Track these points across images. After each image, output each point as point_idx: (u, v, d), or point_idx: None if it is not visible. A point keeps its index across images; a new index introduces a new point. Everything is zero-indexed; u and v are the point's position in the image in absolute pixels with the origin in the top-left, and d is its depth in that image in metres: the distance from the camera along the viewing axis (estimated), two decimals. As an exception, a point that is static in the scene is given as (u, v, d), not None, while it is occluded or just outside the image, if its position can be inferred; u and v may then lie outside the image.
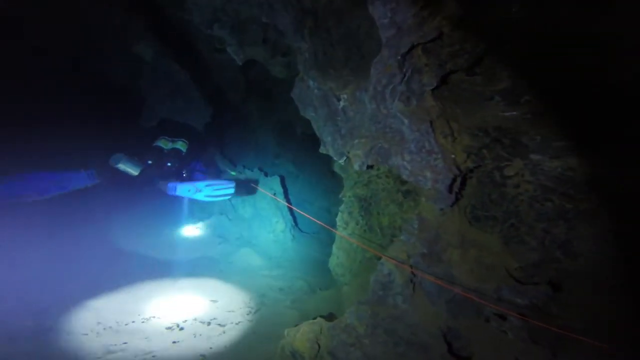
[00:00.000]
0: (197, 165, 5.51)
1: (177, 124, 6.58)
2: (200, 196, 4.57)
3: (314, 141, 7.48)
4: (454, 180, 2.34)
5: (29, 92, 6.31)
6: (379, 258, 4.16)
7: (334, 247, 4.98)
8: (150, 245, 6.42)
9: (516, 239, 2.34)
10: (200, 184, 4.56)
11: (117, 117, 7.42)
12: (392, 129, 2.70)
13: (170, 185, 4.68)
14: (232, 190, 4.74)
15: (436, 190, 2.44)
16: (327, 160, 6.99)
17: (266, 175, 6.49)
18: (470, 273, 2.59)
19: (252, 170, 6.62)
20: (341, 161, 3.38)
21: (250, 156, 7.23)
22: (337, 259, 4.84)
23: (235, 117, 7.29)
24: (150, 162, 4.93)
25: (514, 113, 2.05)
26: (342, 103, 3.14)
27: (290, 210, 6.47)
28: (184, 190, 4.60)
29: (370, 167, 2.99)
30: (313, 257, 6.28)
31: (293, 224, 6.50)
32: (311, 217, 4.29)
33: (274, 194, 6.25)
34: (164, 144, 5.09)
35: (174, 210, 7.50)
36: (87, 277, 5.12)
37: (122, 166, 4.68)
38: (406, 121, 2.47)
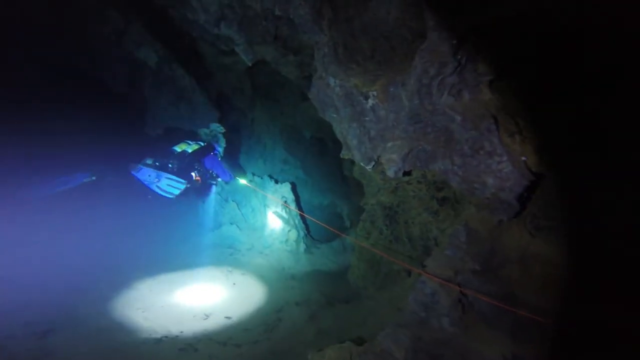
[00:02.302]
0: (209, 161, 5.28)
1: (182, 131, 6.13)
2: (154, 185, 4.67)
3: (323, 145, 7.09)
4: (527, 187, 1.88)
5: (27, 100, 5.90)
6: (409, 271, 3.73)
7: (353, 258, 4.51)
8: (159, 257, 5.96)
9: (600, 254, 1.89)
10: (162, 175, 4.65)
11: (120, 126, 6.99)
12: (436, 128, 2.24)
13: (137, 166, 4.76)
14: (180, 187, 4.77)
15: (497, 199, 1.99)
16: (337, 163, 6.55)
17: (276, 182, 6.02)
18: (537, 292, 2.14)
19: (261, 178, 6.16)
20: (369, 167, 2.91)
21: (259, 163, 6.77)
22: (358, 270, 4.37)
23: (242, 123, 6.84)
24: (157, 163, 4.91)
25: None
26: (370, 101, 2.69)
27: (303, 218, 5.99)
28: (144, 174, 4.68)
29: (407, 173, 2.54)
30: (327, 266, 5.80)
31: (305, 232, 6.02)
32: (330, 228, 3.82)
33: (285, 202, 5.78)
34: (179, 147, 5.08)
35: (183, 220, 7.06)
36: (94, 290, 4.71)
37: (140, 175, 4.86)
38: (458, 118, 2.01)
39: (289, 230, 5.80)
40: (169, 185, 4.70)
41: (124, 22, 5.04)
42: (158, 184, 4.67)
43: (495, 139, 1.88)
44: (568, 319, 2.17)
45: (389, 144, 2.58)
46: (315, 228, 6.31)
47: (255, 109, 6.50)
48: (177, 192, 4.76)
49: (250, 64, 4.37)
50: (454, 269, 2.48)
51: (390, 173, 2.55)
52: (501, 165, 1.90)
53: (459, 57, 1.89)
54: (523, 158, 1.87)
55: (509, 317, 2.28)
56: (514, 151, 1.88)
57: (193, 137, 5.57)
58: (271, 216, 5.94)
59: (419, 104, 2.16)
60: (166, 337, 3.99)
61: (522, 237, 2.22)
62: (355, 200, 5.84)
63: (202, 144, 5.22)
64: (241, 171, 6.41)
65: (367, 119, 2.76)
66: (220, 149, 5.58)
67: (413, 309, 2.68)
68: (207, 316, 4.49)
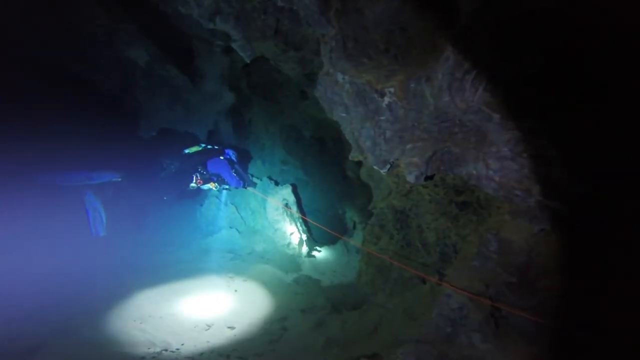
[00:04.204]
0: (213, 165, 5.08)
1: (178, 133, 5.76)
2: None
3: (323, 144, 6.77)
4: (583, 194, 1.61)
5: (12, 101, 5.45)
6: (422, 278, 3.45)
7: (360, 263, 4.22)
8: (156, 263, 5.60)
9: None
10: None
11: (112, 129, 6.57)
12: (466, 127, 1.95)
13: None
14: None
15: (543, 206, 1.71)
16: (339, 163, 6.24)
17: (277, 184, 5.69)
18: (581, 304, 1.87)
19: (260, 179, 5.82)
20: (384, 171, 2.61)
21: (257, 164, 6.41)
22: (366, 276, 4.08)
23: (239, 123, 6.47)
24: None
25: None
26: (387, 99, 2.38)
27: (304, 220, 5.68)
28: None
29: (429, 178, 2.24)
30: (331, 270, 5.50)
31: (308, 235, 5.71)
32: (334, 233, 3.52)
33: (286, 204, 5.46)
34: (191, 149, 5.09)
35: (180, 224, 6.69)
36: (87, 300, 4.37)
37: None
38: (496, 116, 1.72)
39: (291, 234, 5.48)
40: None
41: (113, 21, 4.61)
42: None
43: (546, 140, 1.60)
44: (614, 334, 1.91)
45: (409, 146, 2.28)
46: (317, 230, 6.01)
47: (253, 109, 6.13)
48: None
49: (248, 61, 4.01)
50: (484, 281, 2.20)
51: (410, 178, 2.25)
52: (551, 169, 1.62)
53: (498, 48, 1.60)
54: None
55: (548, 332, 2.01)
56: (569, 155, 1.60)
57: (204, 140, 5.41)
58: (272, 219, 5.62)
59: (449, 100, 1.86)
60: (165, 350, 3.68)
61: (562, 245, 1.94)
62: (359, 201, 5.55)
63: (209, 146, 5.04)
64: (252, 178, 6.05)
65: (382, 118, 2.45)
66: (231, 153, 5.29)
67: (438, 323, 2.40)
68: (208, 327, 4.18)
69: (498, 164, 1.80)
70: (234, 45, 3.87)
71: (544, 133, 1.63)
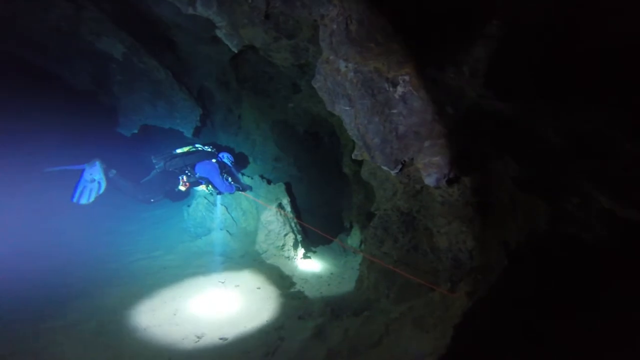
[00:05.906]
0: (201, 168, 4.68)
1: (162, 130, 5.27)
2: None
3: (318, 139, 6.38)
4: None
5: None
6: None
7: (362, 266, 3.90)
8: (142, 269, 5.15)
9: None
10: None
11: (88, 126, 6.00)
12: (496, 121, 1.62)
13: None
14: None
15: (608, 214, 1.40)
16: (334, 159, 5.88)
17: (269, 182, 5.29)
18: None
19: (252, 178, 5.40)
20: (395, 172, 2.26)
21: (248, 161, 5.99)
22: (368, 281, 3.76)
23: (227, 119, 6.01)
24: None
25: None
26: (400, 88, 2.02)
27: (299, 220, 5.31)
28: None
29: (453, 181, 1.91)
30: (329, 272, 5.16)
31: (303, 235, 5.35)
32: (332, 238, 3.17)
33: (279, 204, 5.07)
34: (182, 149, 4.73)
35: (167, 226, 6.24)
36: (65, 310, 3.88)
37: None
38: (530, 111, 1.39)
39: (285, 234, 5.10)
40: None
41: (73, 8, 4.01)
42: None
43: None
44: None
45: (427, 143, 1.92)
46: (314, 231, 5.66)
47: (242, 104, 5.68)
48: None
49: (236, 51, 3.57)
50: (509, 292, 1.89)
51: (430, 181, 1.91)
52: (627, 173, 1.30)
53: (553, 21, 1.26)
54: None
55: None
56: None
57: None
58: (265, 220, 5.22)
59: (480, 90, 1.52)
60: (152, 367, 3.30)
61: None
62: (356, 199, 5.21)
63: (201, 148, 4.66)
64: (243, 178, 5.60)
65: (394, 111, 2.09)
66: (226, 157, 4.86)
67: (457, 339, 2.09)
68: (199, 338, 3.78)
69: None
70: (219, 34, 3.42)
71: (585, 125, 1.31)
